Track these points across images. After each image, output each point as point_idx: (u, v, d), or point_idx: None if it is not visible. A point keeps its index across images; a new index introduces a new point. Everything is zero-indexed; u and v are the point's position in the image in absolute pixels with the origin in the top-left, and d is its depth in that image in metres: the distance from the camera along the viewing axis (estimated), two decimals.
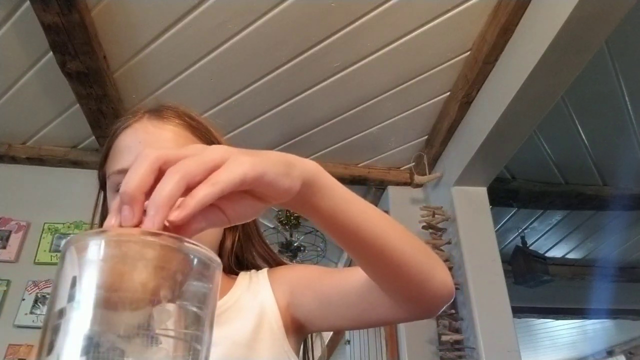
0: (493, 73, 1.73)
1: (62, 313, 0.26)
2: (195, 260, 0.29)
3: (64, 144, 2.17)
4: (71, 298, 0.26)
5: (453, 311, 1.90)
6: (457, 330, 1.89)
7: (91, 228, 0.68)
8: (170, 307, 0.27)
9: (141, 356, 0.26)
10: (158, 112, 0.65)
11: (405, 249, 0.45)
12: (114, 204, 0.32)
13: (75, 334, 0.26)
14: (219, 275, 0.31)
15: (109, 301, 0.27)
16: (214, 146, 0.35)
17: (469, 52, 1.75)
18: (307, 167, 0.40)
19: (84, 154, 2.18)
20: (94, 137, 2.03)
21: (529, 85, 1.53)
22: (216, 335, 0.52)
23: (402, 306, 0.51)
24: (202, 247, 0.30)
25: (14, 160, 2.16)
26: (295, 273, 0.65)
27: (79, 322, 0.26)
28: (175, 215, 0.30)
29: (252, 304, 0.63)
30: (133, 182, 0.31)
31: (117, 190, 0.54)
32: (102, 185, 0.67)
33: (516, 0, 1.49)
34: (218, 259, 0.32)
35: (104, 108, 1.81)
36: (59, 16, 1.42)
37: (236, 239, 0.68)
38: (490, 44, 1.63)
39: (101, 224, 0.67)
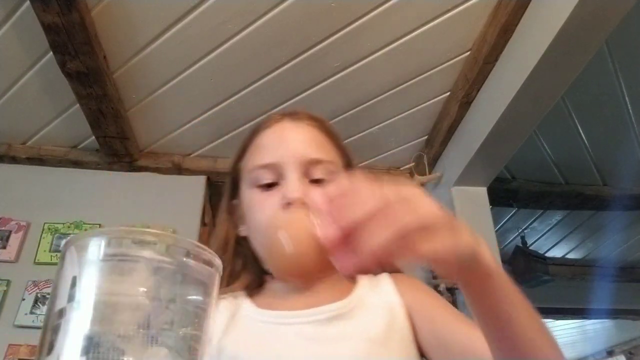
0: (493, 73, 1.72)
1: (62, 313, 0.27)
2: (195, 261, 0.30)
3: (64, 144, 2.17)
4: (71, 298, 0.27)
5: None
6: None
7: (202, 222, 0.68)
8: (170, 306, 0.28)
9: (141, 356, 0.26)
10: (294, 114, 0.69)
11: (540, 349, 0.44)
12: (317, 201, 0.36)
13: (75, 334, 0.26)
14: (218, 277, 0.32)
15: (109, 301, 0.27)
16: (431, 204, 0.35)
17: (469, 52, 1.75)
18: (488, 258, 0.39)
19: (84, 154, 2.18)
20: (94, 137, 2.03)
21: (529, 85, 1.53)
22: (346, 330, 0.58)
23: None
24: (203, 247, 0.30)
25: (14, 160, 2.16)
26: (420, 291, 0.65)
27: (78, 322, 0.26)
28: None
29: (379, 302, 0.62)
30: (358, 214, 0.33)
31: (257, 185, 0.62)
32: (234, 179, 0.70)
33: (516, 0, 1.49)
34: (219, 261, 0.32)
35: (104, 108, 1.81)
36: (59, 16, 1.42)
37: None
38: (490, 44, 1.62)
39: (213, 216, 0.69)
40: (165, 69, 1.76)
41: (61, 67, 1.61)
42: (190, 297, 0.29)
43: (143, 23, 1.59)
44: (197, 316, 0.29)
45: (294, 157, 0.62)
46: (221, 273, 0.32)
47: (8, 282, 1.90)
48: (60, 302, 0.27)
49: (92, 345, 0.25)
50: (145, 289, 0.27)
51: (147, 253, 0.28)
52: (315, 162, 0.63)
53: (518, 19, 1.54)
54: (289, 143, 0.64)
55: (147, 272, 0.28)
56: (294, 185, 0.59)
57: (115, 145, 2.05)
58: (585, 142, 2.31)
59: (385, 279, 0.66)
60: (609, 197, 2.60)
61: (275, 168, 0.62)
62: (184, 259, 0.29)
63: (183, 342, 0.28)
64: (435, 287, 1.97)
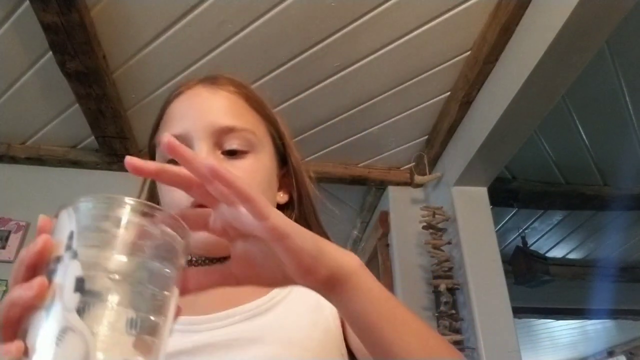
0: (493, 73, 1.72)
1: (59, 259, 0.31)
2: (169, 228, 0.34)
3: (63, 144, 2.17)
4: (68, 247, 0.31)
5: (453, 311, 1.90)
6: (457, 331, 1.88)
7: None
8: (149, 264, 0.32)
9: (126, 296, 0.30)
10: (213, 79, 0.62)
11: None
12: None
13: (71, 276, 0.30)
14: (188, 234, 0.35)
15: (101, 253, 0.31)
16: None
17: (469, 52, 1.75)
18: (342, 263, 0.38)
19: (83, 154, 2.18)
20: (93, 137, 2.03)
21: (529, 85, 1.52)
22: (263, 332, 0.52)
23: None
24: (178, 220, 0.34)
25: (13, 160, 2.16)
26: None
27: (75, 266, 0.30)
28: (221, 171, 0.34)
29: (306, 297, 0.55)
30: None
31: (167, 162, 0.48)
32: (152, 157, 0.63)
33: (516, 0, 1.49)
34: (187, 229, 0.35)
35: (103, 108, 1.81)
36: (59, 16, 1.42)
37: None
38: (490, 43, 1.62)
39: (150, 193, 0.66)
40: (164, 69, 1.76)
41: (61, 67, 1.61)
42: (164, 263, 0.33)
43: (142, 23, 1.59)
44: (166, 285, 0.33)
45: (203, 126, 0.55)
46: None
47: (7, 283, 1.90)
48: (58, 251, 0.31)
49: (85, 283, 0.30)
50: (130, 247, 0.32)
51: (134, 216, 0.33)
52: (228, 131, 0.56)
53: (518, 19, 1.54)
54: (199, 111, 0.57)
55: (131, 231, 0.32)
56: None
57: (115, 145, 2.05)
58: (586, 142, 2.31)
59: None
60: (610, 197, 2.60)
61: (183, 140, 0.52)
62: (165, 229, 0.33)
63: (153, 302, 0.32)
64: (436, 287, 1.97)
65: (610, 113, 2.15)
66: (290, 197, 0.64)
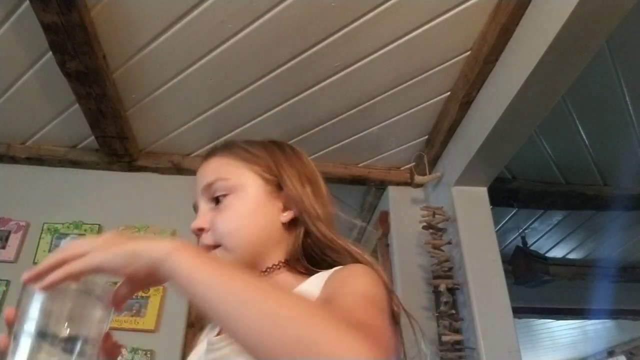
0: (493, 73, 1.72)
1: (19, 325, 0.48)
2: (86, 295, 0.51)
3: (63, 143, 2.17)
4: (22, 322, 0.48)
5: (453, 311, 1.90)
6: (457, 331, 1.89)
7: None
8: (78, 335, 0.49)
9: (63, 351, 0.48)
10: (208, 152, 0.79)
11: (265, 337, 0.40)
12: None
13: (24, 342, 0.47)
14: (102, 305, 0.51)
15: (50, 318, 0.49)
16: (83, 243, 0.50)
17: (469, 52, 1.75)
18: (154, 254, 0.48)
19: (83, 154, 2.18)
20: (93, 137, 2.03)
21: (529, 85, 1.52)
22: None
23: None
24: (95, 284, 0.51)
25: (13, 160, 2.16)
26: (334, 280, 0.60)
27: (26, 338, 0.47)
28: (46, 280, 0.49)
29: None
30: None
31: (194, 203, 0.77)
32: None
33: (516, 0, 1.49)
34: (100, 293, 0.51)
35: (103, 108, 1.81)
36: (59, 16, 1.42)
37: (298, 240, 0.72)
38: (490, 43, 1.62)
39: None
40: (164, 68, 1.76)
41: (60, 67, 1.61)
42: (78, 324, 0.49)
43: (143, 23, 1.58)
44: (99, 330, 0.51)
45: (198, 191, 0.75)
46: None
47: (7, 283, 1.90)
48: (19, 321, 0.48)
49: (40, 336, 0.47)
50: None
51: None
52: (208, 186, 0.73)
53: (518, 19, 1.54)
54: (196, 183, 0.76)
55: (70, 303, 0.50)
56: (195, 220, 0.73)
57: (115, 145, 2.05)
58: (586, 142, 2.31)
59: (329, 272, 0.63)
60: (610, 198, 2.60)
61: (196, 208, 0.75)
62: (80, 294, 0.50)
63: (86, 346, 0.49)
64: (436, 287, 1.97)
65: (610, 113, 2.15)
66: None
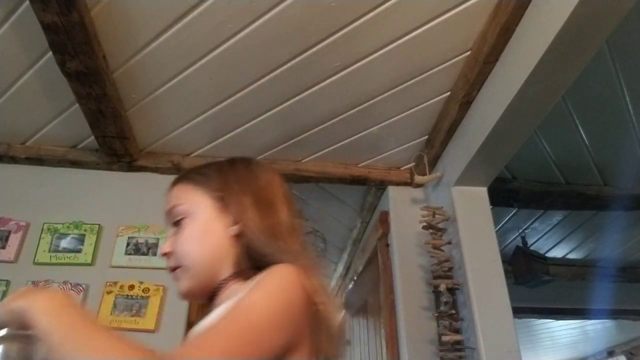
0: (493, 73, 1.72)
1: None
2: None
3: (63, 143, 2.17)
4: None
5: (453, 311, 1.90)
6: (457, 331, 1.89)
7: None
8: None
9: None
10: (171, 184, 0.85)
11: None
12: None
13: None
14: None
15: None
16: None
17: (469, 52, 1.75)
18: (25, 309, 0.56)
19: (83, 154, 2.18)
20: (93, 137, 2.03)
21: (529, 85, 1.52)
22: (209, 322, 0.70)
23: None
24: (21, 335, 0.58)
25: (13, 160, 2.16)
26: (248, 290, 0.65)
27: None
28: None
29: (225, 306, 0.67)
30: None
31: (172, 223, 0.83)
32: None
33: (516, 0, 1.49)
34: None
35: (103, 108, 1.81)
36: (59, 16, 1.42)
37: (244, 249, 0.77)
38: (490, 43, 1.62)
39: None
40: (164, 68, 1.76)
41: (60, 67, 1.61)
42: None
43: (143, 23, 1.58)
44: None
45: (165, 217, 0.83)
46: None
47: (7, 283, 1.90)
48: None
49: None
50: None
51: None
52: (169, 212, 0.81)
53: (518, 19, 1.53)
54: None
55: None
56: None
57: (115, 145, 2.05)
58: (586, 142, 2.31)
59: (258, 276, 0.68)
60: (610, 198, 2.60)
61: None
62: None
63: None
64: (436, 287, 1.97)
65: (610, 113, 2.15)
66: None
